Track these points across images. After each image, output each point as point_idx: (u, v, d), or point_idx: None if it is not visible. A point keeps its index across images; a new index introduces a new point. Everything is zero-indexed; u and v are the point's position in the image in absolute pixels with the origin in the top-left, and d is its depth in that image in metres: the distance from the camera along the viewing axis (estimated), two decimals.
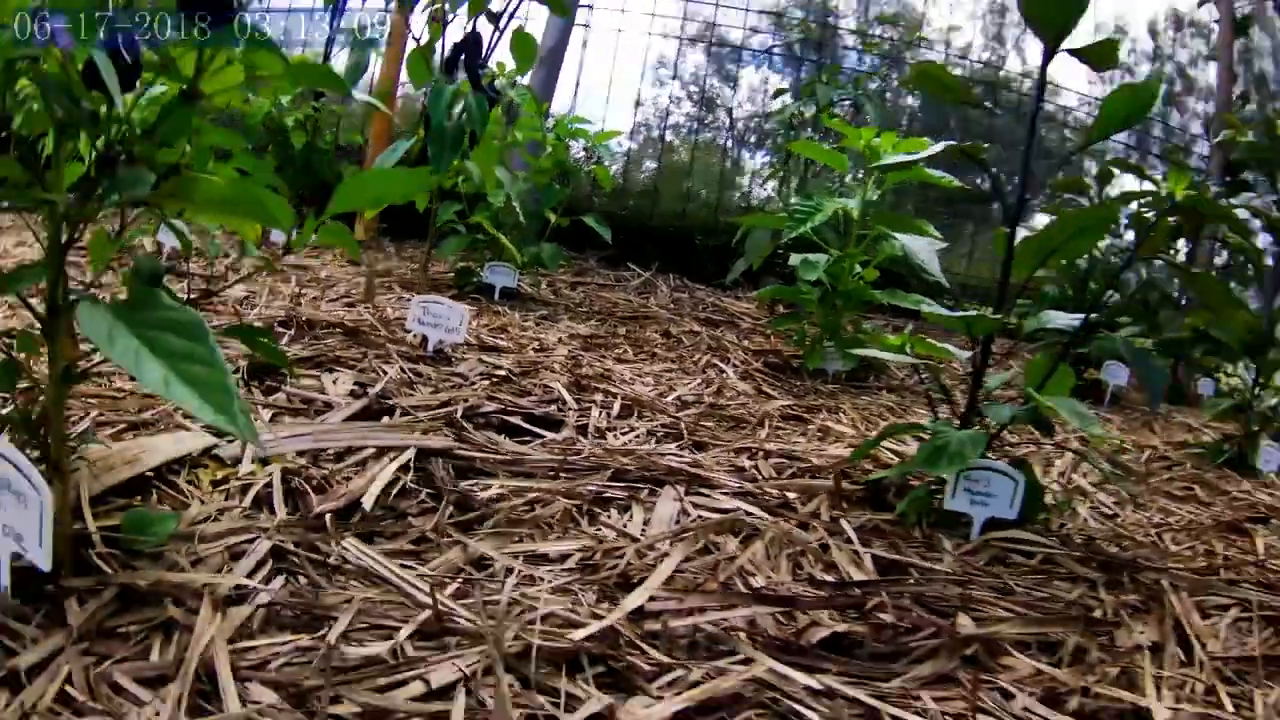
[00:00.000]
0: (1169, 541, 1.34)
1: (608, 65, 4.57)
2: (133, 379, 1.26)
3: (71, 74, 0.69)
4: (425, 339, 1.73)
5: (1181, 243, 3.40)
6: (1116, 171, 2.69)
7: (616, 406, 1.56)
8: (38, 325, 0.70)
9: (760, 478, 1.29)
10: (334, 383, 1.34)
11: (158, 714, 0.55)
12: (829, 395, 2.04)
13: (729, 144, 6.63)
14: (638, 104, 5.52)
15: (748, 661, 0.74)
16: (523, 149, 2.80)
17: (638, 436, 1.43)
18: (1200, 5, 5.56)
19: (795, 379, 2.18)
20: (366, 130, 3.97)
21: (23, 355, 0.76)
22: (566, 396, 1.55)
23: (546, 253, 2.80)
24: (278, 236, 2.39)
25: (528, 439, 1.32)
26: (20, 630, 0.63)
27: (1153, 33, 6.26)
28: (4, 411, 0.78)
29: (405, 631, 0.70)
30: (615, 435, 1.42)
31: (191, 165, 0.83)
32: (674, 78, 7.11)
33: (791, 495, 1.21)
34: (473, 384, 1.54)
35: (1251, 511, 1.62)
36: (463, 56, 2.22)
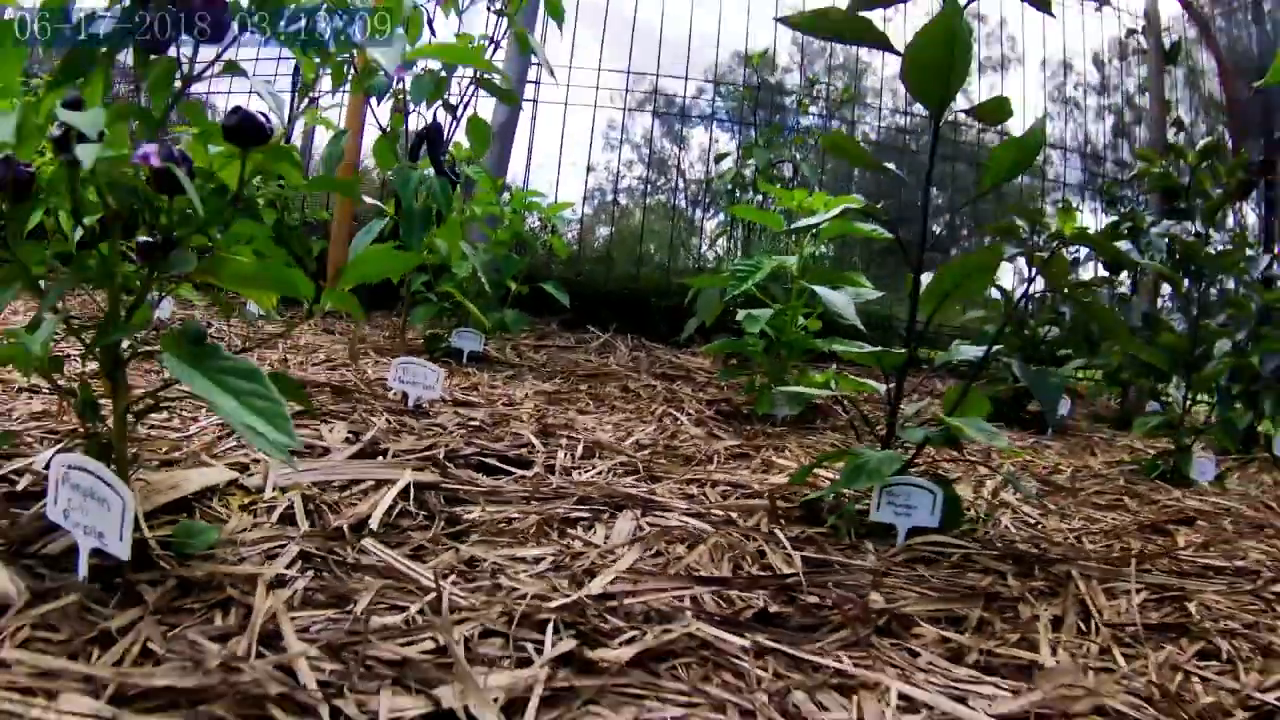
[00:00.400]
0: (1087, 542, 1.51)
1: (558, 133, 4.80)
2: (167, 422, 1.42)
3: (140, 181, 0.88)
4: (405, 395, 1.90)
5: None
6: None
7: (580, 449, 1.74)
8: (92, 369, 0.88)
9: (708, 501, 1.47)
10: (330, 431, 1.51)
11: (232, 654, 0.71)
12: (776, 436, 2.23)
13: (683, 203, 6.88)
14: (589, 169, 5.77)
15: (691, 627, 0.91)
16: (481, 223, 3.01)
17: (599, 473, 1.60)
18: (1128, 36, 5.88)
19: (745, 423, 2.37)
20: (331, 207, 4.17)
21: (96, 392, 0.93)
22: (535, 441, 1.72)
23: (509, 318, 2.99)
24: (252, 307, 2.53)
25: (502, 476, 1.50)
26: (101, 608, 0.79)
27: (1099, 64, 6.44)
28: (78, 440, 0.94)
29: (415, 607, 0.86)
30: (579, 472, 1.59)
31: (222, 247, 1.01)
32: (623, 141, 7.38)
33: (734, 514, 1.39)
34: (451, 432, 1.71)
35: (1178, 515, 1.76)
36: (425, 144, 2.43)
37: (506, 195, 3.14)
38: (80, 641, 0.73)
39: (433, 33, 2.31)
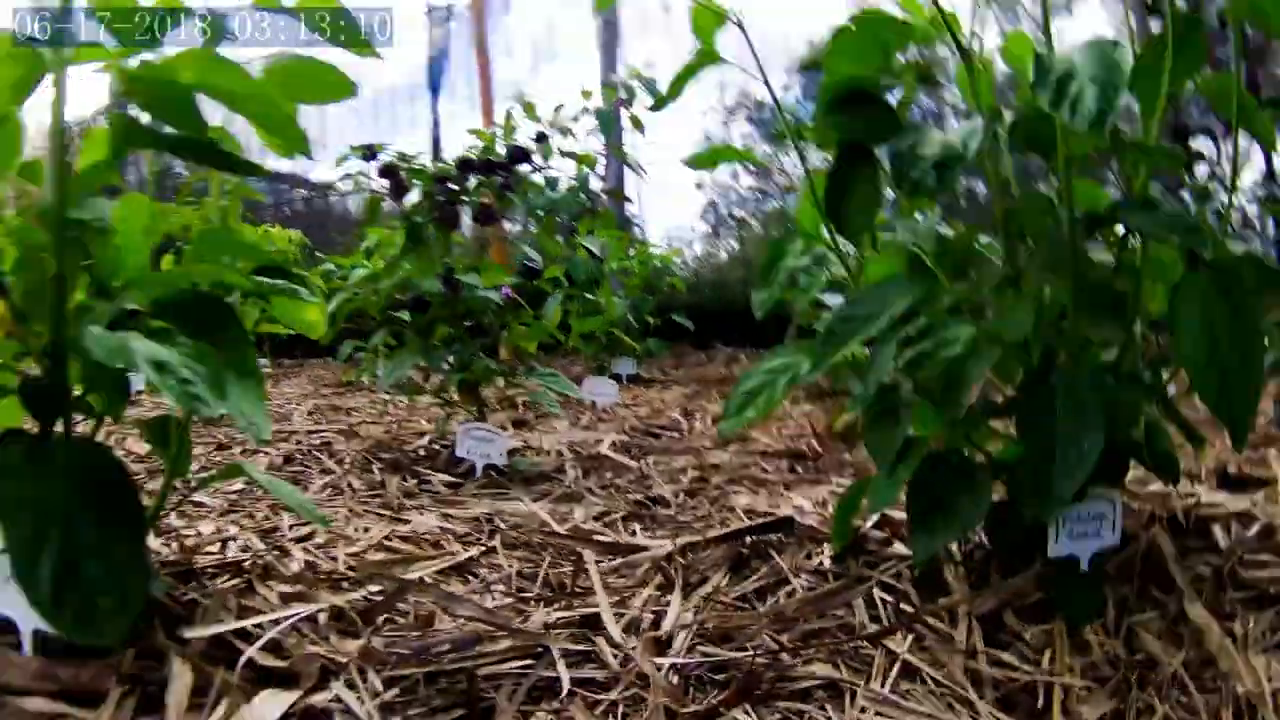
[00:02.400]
0: None
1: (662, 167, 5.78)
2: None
3: (491, 301, 1.96)
4: (594, 403, 2.97)
5: None
6: None
7: (709, 421, 2.75)
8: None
9: (782, 436, 2.45)
10: (557, 422, 2.58)
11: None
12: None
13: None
14: (699, 186, 6.66)
15: (754, 471, 1.90)
16: (618, 275, 4.09)
17: (724, 439, 2.61)
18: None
19: (821, 399, 3.33)
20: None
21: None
22: (681, 420, 2.75)
23: (653, 345, 4.05)
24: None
25: (663, 436, 2.52)
26: (462, 485, 1.85)
27: None
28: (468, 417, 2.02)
29: (631, 473, 1.89)
30: (709, 438, 2.60)
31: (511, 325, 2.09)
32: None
33: (790, 441, 2.36)
34: (627, 420, 2.75)
35: None
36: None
37: (632, 251, 4.21)
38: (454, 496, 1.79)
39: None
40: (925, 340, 1.06)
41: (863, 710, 0.82)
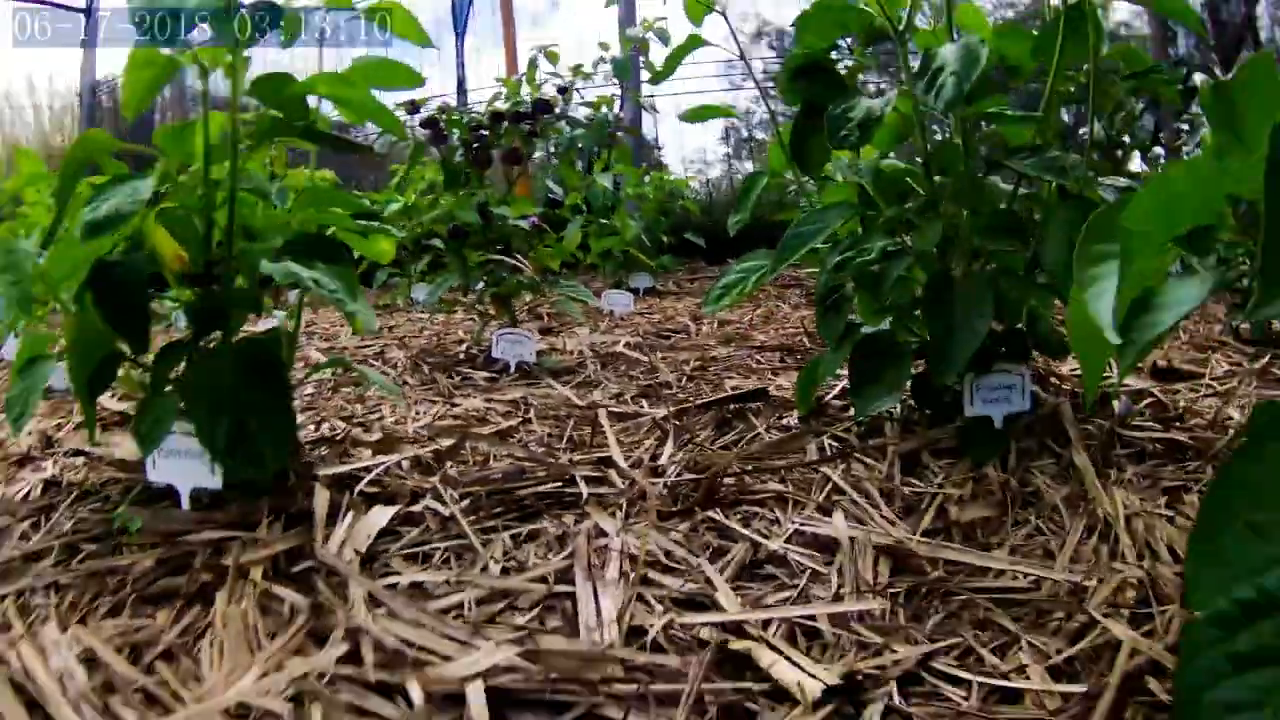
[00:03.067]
0: None
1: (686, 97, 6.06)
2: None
3: (519, 228, 2.27)
4: (613, 312, 3.29)
5: None
6: None
7: (715, 325, 3.07)
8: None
9: (779, 333, 2.77)
10: (579, 327, 2.90)
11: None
12: None
13: None
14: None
15: (743, 357, 2.22)
16: (633, 198, 4.37)
17: (726, 330, 2.93)
18: None
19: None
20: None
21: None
22: (691, 325, 3.06)
23: (666, 261, 4.35)
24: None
25: (673, 337, 2.84)
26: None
27: None
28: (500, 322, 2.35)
29: (643, 366, 2.22)
30: (714, 338, 2.92)
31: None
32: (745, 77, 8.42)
33: (786, 339, 2.67)
34: (641, 326, 3.08)
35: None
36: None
37: (647, 178, 4.48)
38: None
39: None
40: (854, 250, 1.37)
41: (800, 510, 1.15)
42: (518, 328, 2.33)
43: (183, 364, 1.14)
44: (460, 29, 6.88)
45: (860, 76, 1.49)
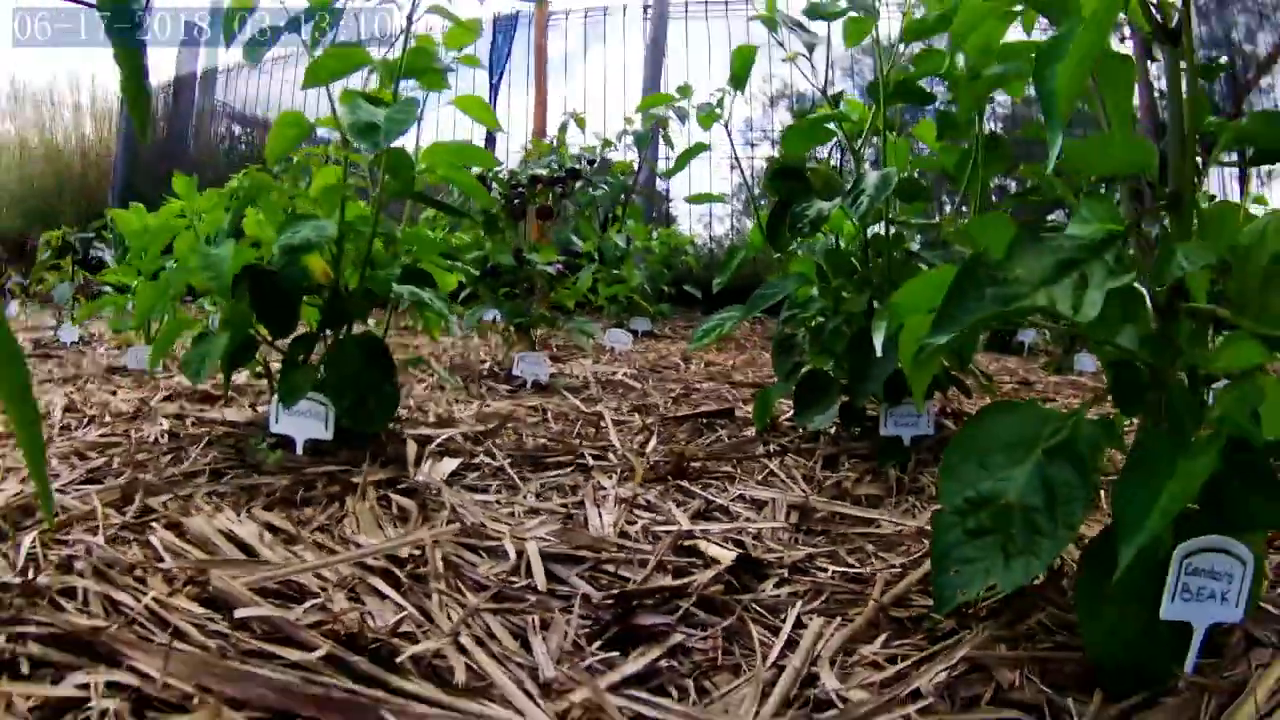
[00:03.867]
0: None
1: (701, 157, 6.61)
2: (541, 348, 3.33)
3: (546, 273, 2.76)
4: (613, 348, 3.77)
5: None
6: None
7: (703, 366, 3.55)
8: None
9: (753, 373, 3.24)
10: (585, 360, 3.38)
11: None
12: None
13: None
14: (733, 167, 7.38)
15: (717, 386, 2.70)
16: (640, 252, 4.89)
17: (711, 371, 3.40)
18: None
19: None
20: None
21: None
22: (680, 364, 3.55)
23: (664, 309, 4.85)
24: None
25: (662, 372, 3.32)
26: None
27: None
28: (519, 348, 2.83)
29: (636, 392, 2.69)
30: (700, 374, 3.40)
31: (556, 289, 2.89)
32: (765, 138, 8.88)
33: (766, 374, 3.15)
34: (637, 361, 3.55)
35: (1036, 378, 3.43)
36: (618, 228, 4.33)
37: (655, 233, 5.00)
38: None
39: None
40: (798, 309, 1.87)
41: (744, 484, 1.62)
42: (535, 352, 2.82)
43: (314, 349, 1.62)
44: (495, 80, 7.45)
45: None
